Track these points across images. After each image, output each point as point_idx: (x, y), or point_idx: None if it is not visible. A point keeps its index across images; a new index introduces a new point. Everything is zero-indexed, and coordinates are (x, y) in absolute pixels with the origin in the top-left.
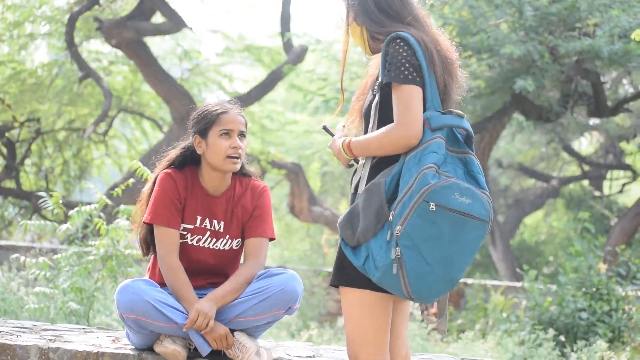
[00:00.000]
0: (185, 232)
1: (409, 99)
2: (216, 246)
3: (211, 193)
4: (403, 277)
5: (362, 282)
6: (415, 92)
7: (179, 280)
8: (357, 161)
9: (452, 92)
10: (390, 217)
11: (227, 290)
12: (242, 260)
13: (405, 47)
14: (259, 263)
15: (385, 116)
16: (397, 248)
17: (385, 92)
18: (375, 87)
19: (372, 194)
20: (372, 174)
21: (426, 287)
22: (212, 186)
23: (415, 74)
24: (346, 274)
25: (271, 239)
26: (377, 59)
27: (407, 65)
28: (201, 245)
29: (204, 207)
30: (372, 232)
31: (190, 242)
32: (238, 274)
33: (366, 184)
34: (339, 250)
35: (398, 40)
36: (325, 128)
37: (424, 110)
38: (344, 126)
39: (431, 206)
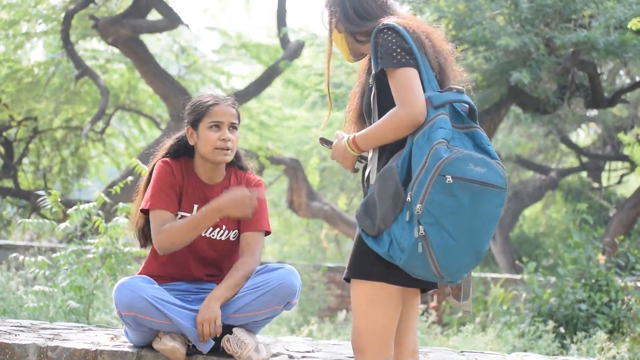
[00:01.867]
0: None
1: (406, 81)
2: (213, 235)
3: (206, 182)
4: (430, 254)
5: (377, 274)
6: (412, 73)
7: (181, 225)
8: (363, 159)
9: (449, 72)
10: (408, 198)
11: (226, 287)
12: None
13: (393, 34)
14: (255, 257)
15: (384, 106)
16: (420, 226)
17: (381, 81)
18: (371, 80)
19: (386, 179)
20: (383, 163)
21: (454, 262)
22: (207, 176)
23: (408, 57)
24: (361, 267)
25: (267, 233)
26: (364, 64)
27: (398, 50)
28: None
29: (200, 196)
30: (392, 217)
31: None
32: (236, 269)
33: (377, 174)
34: (355, 245)
35: (385, 30)
36: (322, 140)
37: (423, 91)
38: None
39: (448, 179)
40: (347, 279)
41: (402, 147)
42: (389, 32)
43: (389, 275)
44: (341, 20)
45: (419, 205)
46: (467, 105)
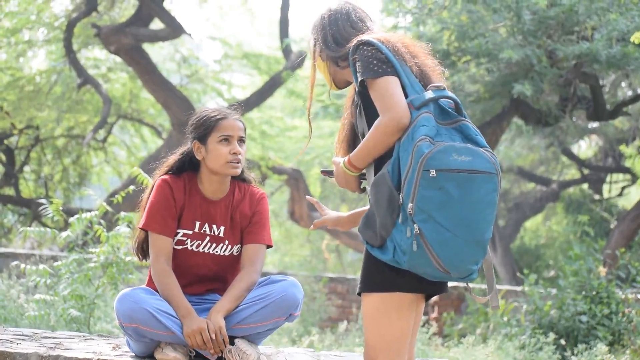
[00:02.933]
0: (184, 238)
1: (386, 88)
2: (216, 251)
3: (210, 198)
4: (429, 250)
5: (388, 285)
6: (391, 80)
7: (169, 286)
8: (364, 176)
9: (431, 75)
10: (401, 200)
11: (228, 299)
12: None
13: (369, 47)
14: (257, 269)
15: (371, 118)
16: (415, 225)
17: (365, 96)
18: (356, 98)
19: (379, 186)
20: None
21: (455, 254)
22: (211, 191)
23: (385, 67)
24: (370, 280)
25: (268, 246)
26: (350, 94)
27: (374, 61)
28: (201, 250)
29: (202, 212)
30: (391, 222)
31: (190, 248)
32: (238, 281)
33: None
34: (364, 260)
35: (361, 45)
36: (324, 172)
37: (407, 96)
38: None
39: (432, 173)
40: (359, 294)
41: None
42: (365, 47)
43: (396, 284)
44: (322, 47)
45: (410, 205)
46: (452, 101)
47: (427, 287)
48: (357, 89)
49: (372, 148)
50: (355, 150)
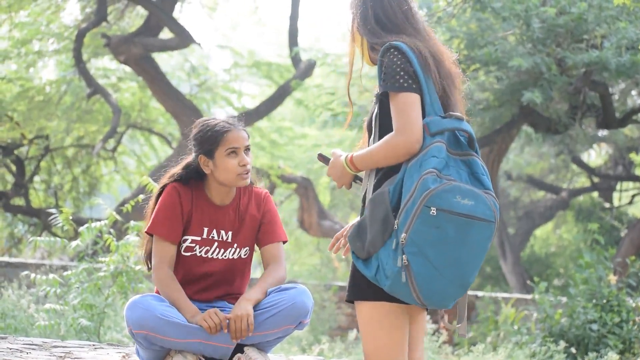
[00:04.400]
0: (193, 245)
1: (406, 106)
2: (225, 256)
3: (217, 204)
4: (412, 283)
5: (376, 294)
6: (413, 99)
7: (174, 291)
8: (358, 179)
9: (453, 97)
10: (396, 226)
11: (258, 291)
12: (250, 271)
13: (399, 56)
14: (283, 266)
15: (385, 127)
16: (404, 255)
17: (383, 102)
18: (374, 98)
19: (377, 204)
20: (378, 184)
21: (436, 292)
22: (219, 198)
23: (410, 81)
24: (359, 288)
25: (284, 242)
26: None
27: (402, 73)
28: (209, 256)
29: (210, 218)
30: (380, 242)
31: (199, 254)
32: (267, 275)
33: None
34: (352, 265)
35: (392, 50)
36: (321, 156)
37: (425, 115)
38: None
39: (432, 211)
40: (349, 301)
41: (398, 169)
42: (395, 53)
43: (384, 294)
44: (360, 24)
45: (403, 235)
46: (467, 133)
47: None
48: (377, 92)
49: (377, 160)
50: (362, 152)
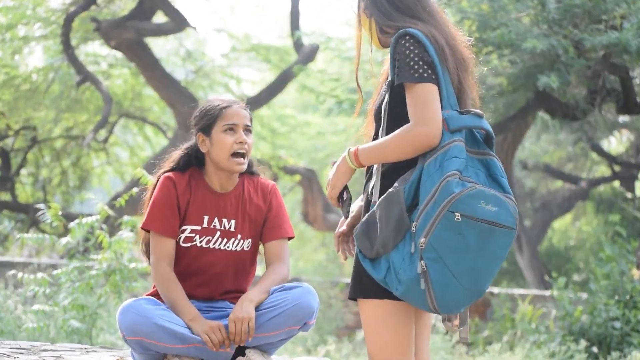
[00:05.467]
0: (193, 235)
1: (426, 97)
2: (227, 247)
3: (218, 191)
4: (428, 290)
5: (380, 291)
6: (432, 89)
7: (173, 291)
8: (343, 196)
9: (467, 89)
10: (413, 229)
11: (259, 290)
12: (256, 269)
13: (416, 44)
14: (286, 264)
15: (396, 117)
16: (422, 261)
17: (395, 92)
18: (385, 86)
19: (391, 203)
20: (386, 179)
21: (452, 300)
22: (219, 184)
23: (430, 72)
24: (363, 285)
25: (290, 238)
26: (387, 65)
27: (420, 62)
28: (211, 247)
29: (211, 206)
30: (392, 244)
31: (199, 245)
32: (269, 274)
33: (380, 190)
34: (355, 262)
35: (407, 37)
36: (334, 163)
37: (441, 108)
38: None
39: (457, 217)
40: (352, 298)
41: (411, 164)
42: (410, 41)
43: (386, 291)
44: (368, 5)
45: (423, 239)
46: (485, 131)
47: None
48: (390, 80)
49: (389, 153)
50: (369, 145)
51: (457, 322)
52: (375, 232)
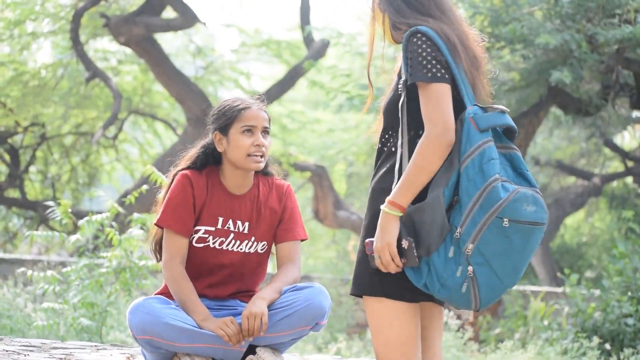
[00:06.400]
0: (206, 235)
1: (439, 98)
2: (241, 249)
3: (234, 192)
4: (474, 293)
5: (384, 290)
6: (445, 89)
7: (185, 290)
8: (404, 241)
9: (480, 87)
10: (457, 234)
11: (272, 289)
12: (268, 269)
13: (428, 42)
14: (297, 266)
15: (414, 115)
16: (470, 267)
17: (411, 90)
18: (400, 86)
19: (433, 209)
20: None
21: (493, 298)
22: (235, 185)
23: (443, 71)
24: (367, 282)
25: (303, 240)
26: (399, 63)
27: (433, 62)
28: (224, 248)
29: (226, 207)
30: (435, 248)
31: (212, 245)
32: (280, 275)
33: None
34: (358, 258)
35: (419, 35)
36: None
37: (464, 107)
38: None
39: (505, 222)
40: (355, 295)
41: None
42: (423, 39)
43: (397, 291)
44: (382, 1)
45: (470, 245)
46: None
47: (428, 296)
48: (404, 80)
49: (419, 175)
50: (397, 186)
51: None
52: (419, 237)
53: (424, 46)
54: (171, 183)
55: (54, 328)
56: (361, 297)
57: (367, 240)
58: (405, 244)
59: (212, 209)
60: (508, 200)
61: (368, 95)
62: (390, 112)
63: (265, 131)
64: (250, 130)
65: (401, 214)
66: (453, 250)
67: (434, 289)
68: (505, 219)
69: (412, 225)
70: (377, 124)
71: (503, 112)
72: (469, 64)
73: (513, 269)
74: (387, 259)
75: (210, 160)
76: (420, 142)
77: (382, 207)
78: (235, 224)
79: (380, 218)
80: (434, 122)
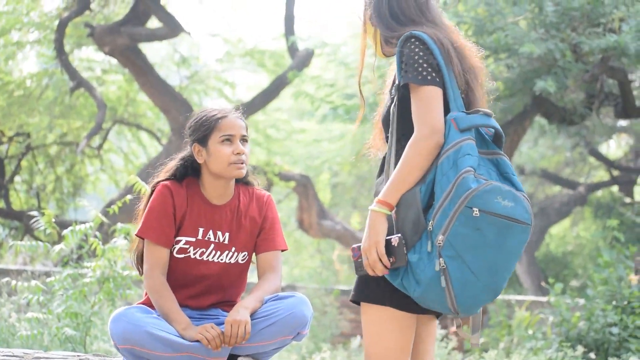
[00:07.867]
0: (187, 246)
1: (429, 101)
2: (221, 259)
3: (214, 203)
4: (448, 288)
5: (384, 298)
6: (435, 92)
7: (166, 300)
8: (393, 251)
9: (477, 92)
10: (430, 227)
11: (254, 298)
12: (247, 279)
13: (421, 46)
14: (278, 275)
15: (405, 117)
16: (441, 259)
17: (402, 94)
18: (393, 91)
19: (408, 205)
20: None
21: (471, 298)
22: (215, 195)
23: (434, 74)
24: (368, 290)
25: (283, 250)
26: (394, 66)
27: (425, 65)
28: (204, 259)
29: (206, 218)
30: (410, 245)
31: (193, 256)
32: (262, 284)
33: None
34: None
35: (413, 40)
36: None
37: (448, 111)
38: None
39: (475, 212)
40: (354, 302)
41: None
42: (417, 43)
43: (396, 300)
44: (373, 14)
45: (440, 237)
46: (492, 130)
47: (421, 308)
48: (397, 83)
49: (408, 174)
50: (387, 185)
51: (465, 331)
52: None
53: (416, 50)
54: (151, 194)
55: (38, 338)
56: (359, 304)
57: (353, 246)
58: (395, 241)
59: (192, 220)
60: (478, 190)
61: (354, 106)
62: (388, 121)
63: (244, 139)
64: (229, 139)
65: (389, 213)
66: (430, 245)
67: (411, 288)
68: (475, 209)
69: (391, 223)
70: (372, 139)
71: (487, 114)
72: (462, 69)
73: (489, 267)
74: (373, 258)
75: (189, 172)
76: (409, 142)
77: (370, 206)
78: (215, 235)
79: (369, 217)
80: (423, 123)
